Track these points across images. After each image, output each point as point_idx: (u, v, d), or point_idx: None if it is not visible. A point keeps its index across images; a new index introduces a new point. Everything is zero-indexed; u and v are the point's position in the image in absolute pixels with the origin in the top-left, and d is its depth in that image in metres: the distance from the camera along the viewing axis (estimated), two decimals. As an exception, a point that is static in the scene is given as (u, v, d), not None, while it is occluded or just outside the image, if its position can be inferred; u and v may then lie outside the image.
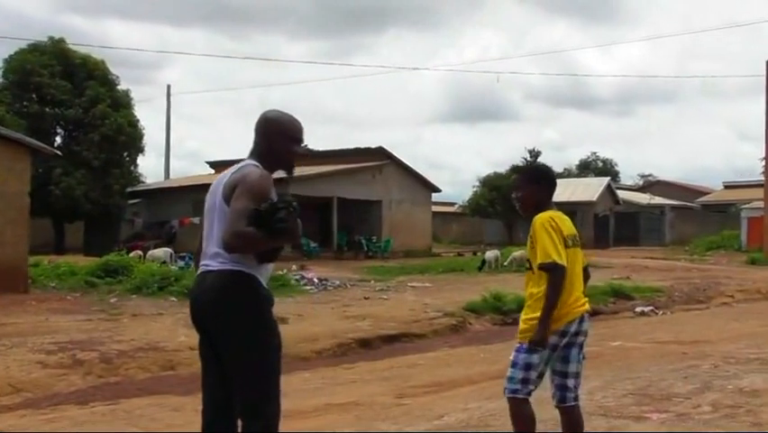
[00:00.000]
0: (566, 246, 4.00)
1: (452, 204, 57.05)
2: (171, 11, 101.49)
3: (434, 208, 42.93)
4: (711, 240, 42.05)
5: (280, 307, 13.83)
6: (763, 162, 36.63)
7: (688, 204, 57.39)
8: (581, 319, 4.04)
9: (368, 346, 11.31)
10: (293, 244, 3.54)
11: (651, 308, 15.84)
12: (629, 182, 72.86)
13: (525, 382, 3.97)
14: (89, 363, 8.72)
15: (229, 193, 3.42)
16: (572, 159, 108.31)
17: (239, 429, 3.50)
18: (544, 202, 4.19)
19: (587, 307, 4.10)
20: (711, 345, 10.23)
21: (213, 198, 3.56)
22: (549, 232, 3.97)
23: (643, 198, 57.07)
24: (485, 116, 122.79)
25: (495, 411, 6.09)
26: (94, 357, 8.91)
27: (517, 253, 27.71)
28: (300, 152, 3.70)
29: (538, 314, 3.89)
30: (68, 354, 8.93)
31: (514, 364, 4.00)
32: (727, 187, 59.21)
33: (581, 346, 4.10)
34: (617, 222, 51.34)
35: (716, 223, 49.05)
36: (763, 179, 36.96)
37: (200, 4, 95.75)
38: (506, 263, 25.79)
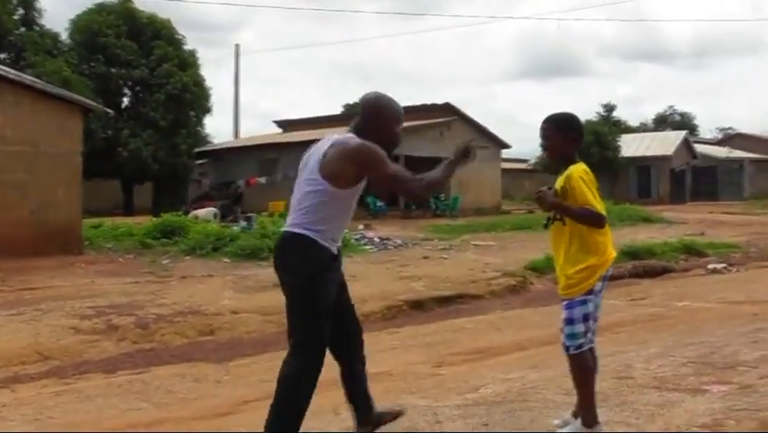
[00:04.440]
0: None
1: (524, 161, 55.77)
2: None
3: (506, 165, 41.97)
4: (793, 193, 40.14)
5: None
6: None
7: (768, 157, 54.92)
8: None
9: (419, 309, 10.87)
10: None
11: (724, 265, 15.00)
12: (708, 136, 70.27)
13: (586, 333, 4.03)
14: (124, 328, 8.48)
15: (333, 168, 3.81)
16: (649, 113, 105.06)
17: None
18: (572, 153, 4.15)
19: (615, 254, 4.21)
20: (786, 306, 9.47)
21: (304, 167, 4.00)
22: (588, 185, 3.99)
23: (721, 152, 54.90)
24: (558, 72, 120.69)
25: (537, 383, 5.63)
26: (130, 322, 8.67)
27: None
28: (399, 132, 4.03)
29: (580, 266, 3.98)
30: (103, 320, 8.71)
31: (571, 321, 4.02)
32: (811, 139, 56.53)
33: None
34: (694, 176, 49.81)
35: (799, 176, 46.85)
36: None
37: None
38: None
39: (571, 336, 4.03)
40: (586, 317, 4.02)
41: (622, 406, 4.84)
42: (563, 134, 4.13)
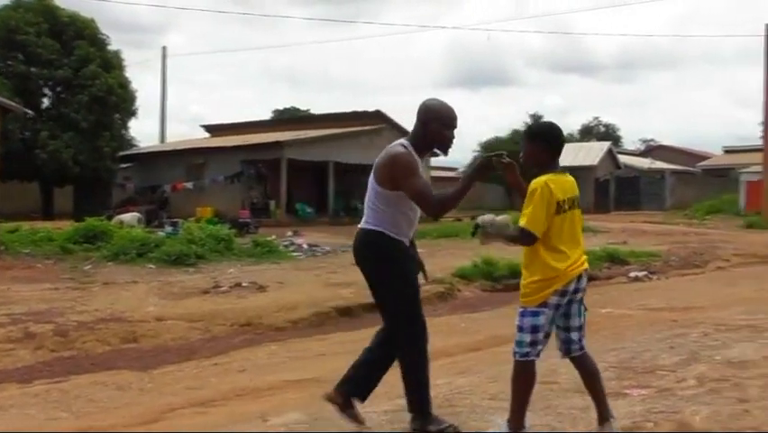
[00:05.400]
0: (562, 211, 4.07)
1: (453, 168, 56.36)
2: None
3: (435, 173, 42.12)
4: (711, 204, 41.64)
5: (262, 274, 13.49)
6: (762, 127, 36.53)
7: (688, 168, 56.95)
8: (580, 277, 4.16)
9: (348, 315, 10.81)
10: None
11: (645, 273, 15.37)
12: (631, 147, 72.28)
13: (533, 343, 4.08)
14: (42, 336, 8.19)
15: (380, 173, 4.31)
16: (575, 124, 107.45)
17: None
18: (544, 161, 4.19)
19: (586, 265, 4.23)
20: (703, 312, 9.84)
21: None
22: (537, 200, 4.01)
23: (644, 163, 56.63)
24: (487, 82, 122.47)
25: (464, 388, 5.68)
26: (48, 330, 8.38)
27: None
28: (451, 136, 4.42)
29: (537, 277, 4.04)
30: (19, 327, 8.41)
31: (520, 329, 4.10)
32: (728, 152, 58.67)
33: (581, 301, 4.27)
34: (617, 186, 51.08)
35: (716, 187, 48.53)
36: (762, 143, 36.42)
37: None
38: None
39: (519, 342, 4.11)
40: (535, 329, 4.06)
41: (546, 410, 4.94)
42: (532, 142, 4.25)
